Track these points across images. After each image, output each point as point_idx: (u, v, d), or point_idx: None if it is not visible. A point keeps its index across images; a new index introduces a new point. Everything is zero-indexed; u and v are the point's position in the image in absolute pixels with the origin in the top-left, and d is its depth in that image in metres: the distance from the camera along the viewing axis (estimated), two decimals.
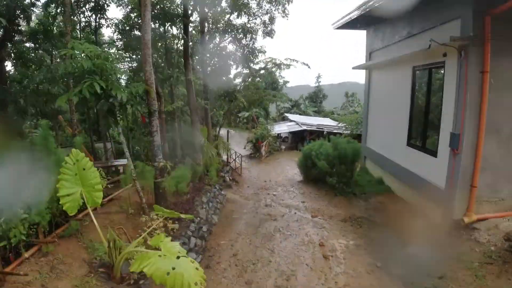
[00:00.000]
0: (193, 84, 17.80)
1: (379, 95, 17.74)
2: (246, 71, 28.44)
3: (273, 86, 53.13)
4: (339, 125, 38.24)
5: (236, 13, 22.13)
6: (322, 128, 38.67)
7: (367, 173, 17.79)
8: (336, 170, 16.46)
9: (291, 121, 43.54)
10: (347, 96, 56.83)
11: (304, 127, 37.70)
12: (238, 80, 29.97)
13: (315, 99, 57.12)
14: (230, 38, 23.84)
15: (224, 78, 26.26)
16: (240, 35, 23.16)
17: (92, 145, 21.63)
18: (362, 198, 15.33)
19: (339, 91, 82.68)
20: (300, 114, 51.40)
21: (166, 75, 19.81)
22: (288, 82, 54.94)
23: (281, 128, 40.47)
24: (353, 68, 19.36)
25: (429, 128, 12.83)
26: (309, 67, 26.58)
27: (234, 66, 26.17)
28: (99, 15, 19.64)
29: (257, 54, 24.25)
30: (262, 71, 28.36)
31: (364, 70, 19.87)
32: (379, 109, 17.74)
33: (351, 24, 17.40)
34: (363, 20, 16.54)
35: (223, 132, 40.11)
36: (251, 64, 24.08)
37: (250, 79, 28.56)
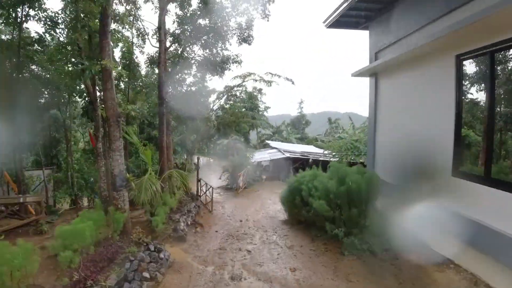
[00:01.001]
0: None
1: (392, 105, 12.71)
2: (219, 89, 23.27)
3: (252, 112, 48.26)
4: (325, 152, 33.23)
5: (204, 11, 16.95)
6: (307, 156, 33.53)
7: (377, 212, 12.25)
8: (343, 214, 10.87)
9: (273, 148, 38.39)
10: (331, 123, 52.40)
11: (287, 155, 32.53)
12: (211, 98, 24.70)
13: (297, 126, 52.43)
14: (199, 45, 18.49)
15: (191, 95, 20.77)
16: (211, 40, 17.90)
17: (21, 172, 15.89)
18: (387, 258, 9.58)
19: (320, 119, 78.50)
20: (282, 141, 46.45)
21: None
22: (269, 108, 50.26)
23: (262, 156, 35.18)
24: (353, 75, 14.44)
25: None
26: (293, 82, 21.87)
27: (208, 79, 20.74)
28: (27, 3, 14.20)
29: (230, 64, 19.02)
30: (239, 89, 23.07)
31: (364, 79, 14.83)
32: (393, 126, 12.58)
33: (348, 19, 12.58)
34: (365, 8, 11.72)
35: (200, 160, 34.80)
36: (222, 76, 18.76)
37: (223, 98, 23.29)
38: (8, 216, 13.21)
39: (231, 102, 28.76)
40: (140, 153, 13.30)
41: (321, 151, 38.30)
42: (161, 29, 16.08)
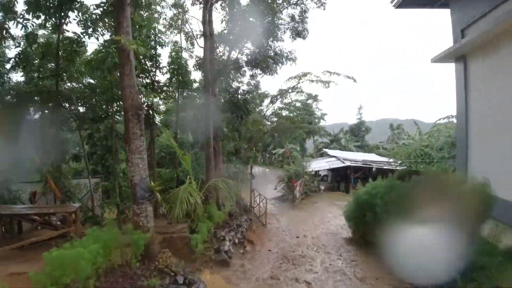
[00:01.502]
0: None
1: (494, 96, 9.54)
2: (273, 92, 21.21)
3: (308, 120, 45.67)
4: (390, 160, 29.79)
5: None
6: (369, 164, 30.24)
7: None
8: None
9: (331, 156, 35.52)
10: (393, 129, 48.11)
11: (348, 163, 29.57)
12: (265, 103, 22.74)
13: (356, 133, 48.80)
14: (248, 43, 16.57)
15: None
16: (261, 37, 15.94)
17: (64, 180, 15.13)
18: None
19: (380, 126, 73.76)
20: (340, 150, 43.26)
21: None
22: (326, 114, 47.28)
23: (320, 165, 32.49)
24: (433, 60, 11.76)
25: None
26: (354, 80, 19.08)
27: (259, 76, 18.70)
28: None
29: (283, 60, 16.84)
30: (294, 94, 20.79)
31: (444, 67, 11.65)
32: (499, 124, 9.45)
33: None
34: None
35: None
36: (274, 75, 16.53)
37: (277, 102, 21.16)
38: (44, 226, 12.15)
39: (285, 108, 26.59)
40: (181, 160, 11.33)
41: (384, 159, 34.77)
42: (205, 24, 14.45)
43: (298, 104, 45.83)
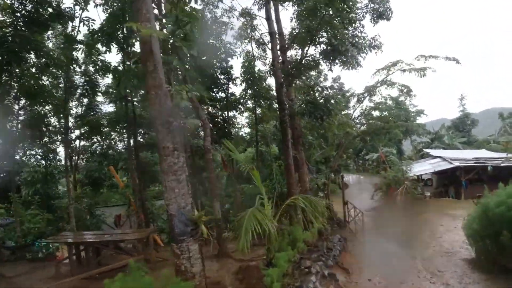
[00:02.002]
0: None
1: None
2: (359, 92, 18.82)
3: (404, 118, 41.26)
4: (508, 155, 24.78)
5: None
6: (483, 163, 25.49)
7: None
8: None
9: (435, 157, 31.06)
10: (503, 118, 40.96)
11: (457, 164, 25.19)
12: (351, 103, 20.44)
13: (461, 128, 42.48)
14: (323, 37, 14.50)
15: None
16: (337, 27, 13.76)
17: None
18: None
19: (485, 118, 64.27)
20: (444, 148, 37.94)
21: None
22: (422, 111, 42.17)
23: (422, 168, 28.50)
24: None
25: None
26: (457, 62, 15.73)
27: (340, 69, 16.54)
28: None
29: (367, 50, 14.38)
30: (383, 88, 18.10)
31: None
32: None
33: None
34: None
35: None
36: (357, 68, 14.07)
37: (365, 100, 18.59)
38: (118, 252, 11.60)
39: (375, 107, 23.62)
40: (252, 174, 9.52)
41: (500, 155, 29.31)
42: (269, 20, 12.89)
43: (389, 103, 41.77)
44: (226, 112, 17.12)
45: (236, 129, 21.55)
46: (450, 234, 16.15)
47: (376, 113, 25.97)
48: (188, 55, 8.32)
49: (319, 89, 15.08)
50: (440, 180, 29.11)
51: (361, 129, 20.36)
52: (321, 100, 13.14)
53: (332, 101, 14.06)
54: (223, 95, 16.97)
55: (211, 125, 14.61)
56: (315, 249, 11.16)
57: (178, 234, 6.80)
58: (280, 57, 14.79)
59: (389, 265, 12.42)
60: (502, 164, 24.99)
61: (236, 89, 22.51)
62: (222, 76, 16.76)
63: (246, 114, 21.99)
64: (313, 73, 22.36)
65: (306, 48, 14.09)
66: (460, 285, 9.33)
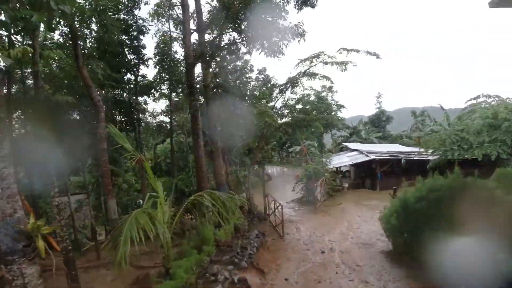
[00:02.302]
0: None
1: None
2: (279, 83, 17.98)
3: (325, 111, 42.13)
4: (420, 150, 26.05)
5: None
6: (397, 156, 26.51)
7: None
8: None
9: (353, 150, 31.88)
10: (416, 116, 43.91)
11: (372, 156, 25.85)
12: (274, 94, 19.54)
13: (377, 123, 44.75)
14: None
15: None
16: (259, 12, 12.64)
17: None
18: None
19: (399, 116, 69.30)
20: (361, 142, 39.46)
21: None
22: (343, 106, 43.53)
23: (341, 161, 28.96)
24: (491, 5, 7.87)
25: None
26: (378, 57, 15.59)
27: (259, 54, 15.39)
28: None
29: (290, 37, 13.45)
30: (305, 79, 17.43)
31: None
32: None
33: None
34: None
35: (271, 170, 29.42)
36: (279, 56, 13.11)
37: (288, 91, 17.83)
38: None
39: (298, 102, 23.10)
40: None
41: (412, 149, 30.98)
42: None
43: (312, 98, 42.30)
44: (135, 97, 15.08)
45: (148, 116, 19.42)
46: (367, 225, 16.10)
47: (299, 106, 25.72)
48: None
49: (230, 69, 13.79)
50: (357, 172, 29.93)
51: (283, 121, 19.70)
52: (236, 84, 11.80)
53: (249, 85, 12.86)
54: (132, 77, 14.91)
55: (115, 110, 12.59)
56: (228, 249, 9.94)
57: (5, 253, 4.90)
58: (197, 38, 13.27)
59: (308, 259, 11.72)
60: (414, 158, 26.22)
61: (149, 71, 20.13)
62: (132, 56, 14.71)
63: (164, 100, 20.06)
64: (239, 63, 21.26)
65: (224, 30, 12.73)
66: (379, 282, 8.78)
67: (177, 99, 17.48)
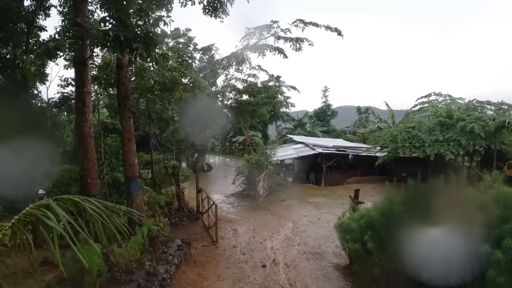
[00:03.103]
0: None
1: None
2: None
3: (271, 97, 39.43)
4: (367, 146, 24.49)
5: None
6: (343, 151, 24.66)
7: None
8: None
9: (298, 142, 29.67)
10: (360, 113, 43.07)
11: (319, 150, 23.68)
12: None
13: (322, 117, 43.23)
14: None
15: None
16: None
17: None
18: None
19: (342, 113, 69.27)
20: (305, 136, 37.56)
21: None
22: (289, 97, 41.01)
23: (287, 153, 26.51)
24: None
25: None
26: (339, 33, 13.15)
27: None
28: None
29: None
30: (253, 57, 14.49)
31: None
32: None
33: None
34: None
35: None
36: (222, 16, 9.88)
37: (232, 69, 14.89)
38: None
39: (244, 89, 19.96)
40: None
41: (358, 145, 29.55)
42: None
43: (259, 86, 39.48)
44: (25, 56, 10.91)
45: (57, 86, 15.00)
46: (314, 227, 13.69)
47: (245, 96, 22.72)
48: None
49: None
50: (301, 165, 27.78)
51: (228, 104, 16.74)
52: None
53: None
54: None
55: None
56: (128, 277, 6.63)
57: None
58: None
59: (245, 278, 8.90)
60: (361, 154, 24.54)
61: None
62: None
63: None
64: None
65: None
66: None
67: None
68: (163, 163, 15.68)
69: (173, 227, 13.75)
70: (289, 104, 41.09)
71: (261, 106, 16.79)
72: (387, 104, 34.39)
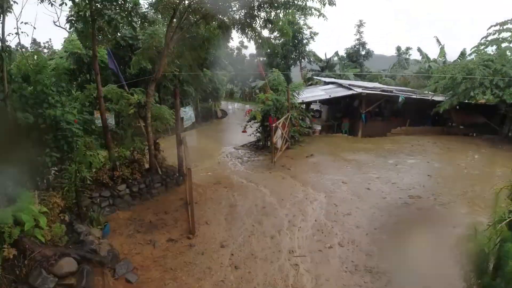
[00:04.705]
0: None
1: None
2: None
3: (294, 42, 32.69)
4: (426, 91, 17.81)
5: None
6: (391, 92, 18.14)
7: None
8: None
9: (328, 83, 23.14)
10: (400, 54, 35.25)
11: (358, 90, 17.25)
12: None
13: (355, 58, 35.56)
14: None
15: None
16: None
17: None
18: None
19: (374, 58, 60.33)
20: (335, 79, 30.58)
21: None
22: (317, 33, 33.71)
23: (314, 94, 20.16)
24: None
25: None
26: None
27: None
28: None
29: None
30: None
31: None
32: None
33: None
34: None
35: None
36: None
37: None
38: None
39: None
40: None
41: (400, 88, 22.80)
42: None
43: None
44: None
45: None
46: (365, 206, 7.87)
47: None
48: None
49: None
50: (331, 111, 21.47)
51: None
52: None
53: None
54: None
55: None
56: None
57: None
58: None
59: None
60: (414, 96, 17.91)
61: None
62: None
63: None
64: None
65: None
66: None
67: None
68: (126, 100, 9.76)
69: (136, 199, 8.29)
70: (313, 40, 34.13)
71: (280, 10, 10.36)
72: (438, 40, 26.69)
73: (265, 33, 11.43)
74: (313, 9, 10.52)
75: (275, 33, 11.64)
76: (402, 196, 8.60)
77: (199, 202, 8.29)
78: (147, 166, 9.27)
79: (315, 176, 10.41)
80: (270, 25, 10.95)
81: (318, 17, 10.48)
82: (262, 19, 10.76)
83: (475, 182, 9.73)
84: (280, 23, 11.41)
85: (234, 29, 10.84)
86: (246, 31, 11.02)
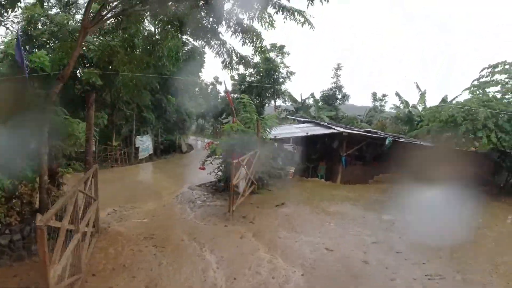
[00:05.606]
0: None
1: None
2: None
3: (270, 81, 30.88)
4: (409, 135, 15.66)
5: None
6: (375, 133, 15.75)
7: None
8: None
9: (304, 122, 20.59)
10: (376, 99, 34.03)
11: (339, 129, 14.74)
12: None
13: (331, 101, 33.74)
14: None
15: None
16: None
17: None
18: None
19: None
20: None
21: None
22: (294, 73, 31.98)
23: (289, 131, 17.45)
24: None
25: None
26: None
27: None
28: None
29: None
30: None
31: None
32: None
33: None
34: None
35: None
36: None
37: None
38: None
39: None
40: None
41: (381, 132, 20.60)
42: None
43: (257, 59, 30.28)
44: None
45: None
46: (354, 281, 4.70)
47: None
48: None
49: None
50: (306, 152, 18.57)
51: None
52: None
53: None
54: None
55: None
56: None
57: None
58: None
59: None
60: (403, 140, 15.57)
61: None
62: None
63: None
64: None
65: None
66: None
67: None
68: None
69: (2, 256, 4.81)
70: (290, 80, 32.38)
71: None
72: (417, 86, 25.25)
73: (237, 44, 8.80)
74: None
75: (249, 46, 8.87)
76: (416, 274, 5.61)
77: (101, 272, 4.94)
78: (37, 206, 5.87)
79: (287, 237, 7.24)
80: (241, 34, 8.22)
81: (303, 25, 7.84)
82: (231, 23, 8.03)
83: (499, 247, 7.06)
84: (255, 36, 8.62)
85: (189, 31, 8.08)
86: (208, 36, 8.26)
